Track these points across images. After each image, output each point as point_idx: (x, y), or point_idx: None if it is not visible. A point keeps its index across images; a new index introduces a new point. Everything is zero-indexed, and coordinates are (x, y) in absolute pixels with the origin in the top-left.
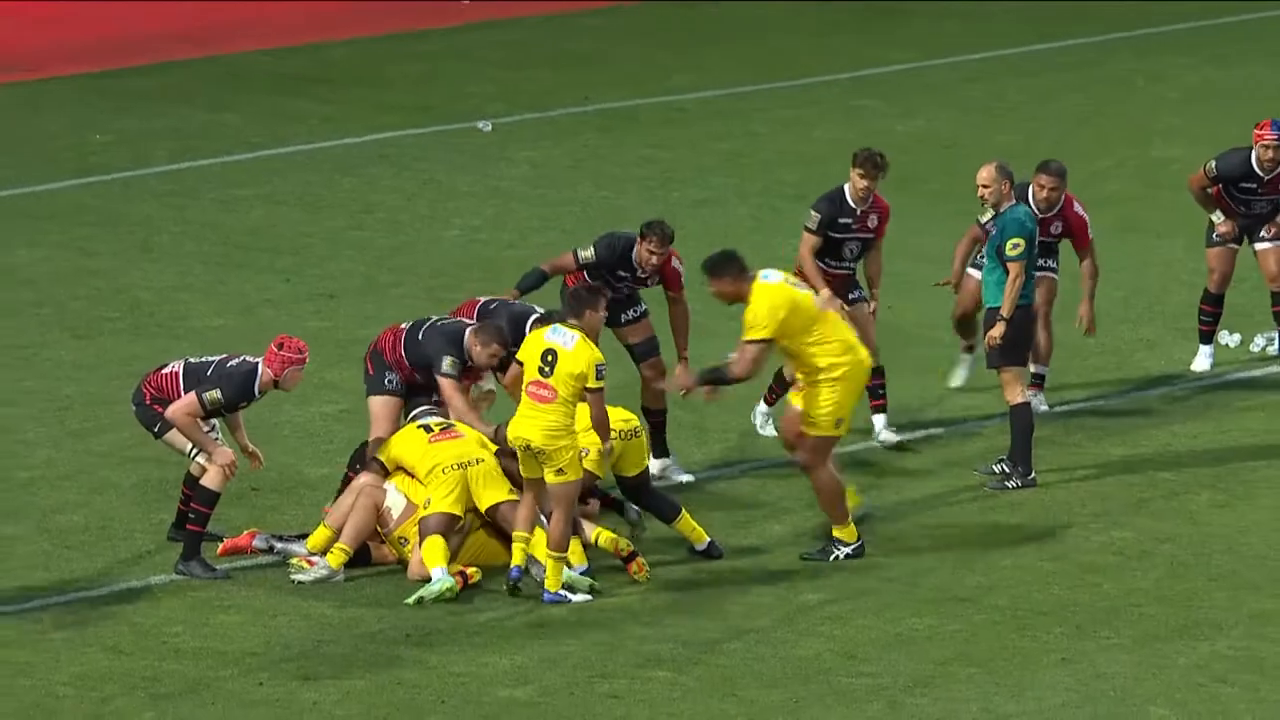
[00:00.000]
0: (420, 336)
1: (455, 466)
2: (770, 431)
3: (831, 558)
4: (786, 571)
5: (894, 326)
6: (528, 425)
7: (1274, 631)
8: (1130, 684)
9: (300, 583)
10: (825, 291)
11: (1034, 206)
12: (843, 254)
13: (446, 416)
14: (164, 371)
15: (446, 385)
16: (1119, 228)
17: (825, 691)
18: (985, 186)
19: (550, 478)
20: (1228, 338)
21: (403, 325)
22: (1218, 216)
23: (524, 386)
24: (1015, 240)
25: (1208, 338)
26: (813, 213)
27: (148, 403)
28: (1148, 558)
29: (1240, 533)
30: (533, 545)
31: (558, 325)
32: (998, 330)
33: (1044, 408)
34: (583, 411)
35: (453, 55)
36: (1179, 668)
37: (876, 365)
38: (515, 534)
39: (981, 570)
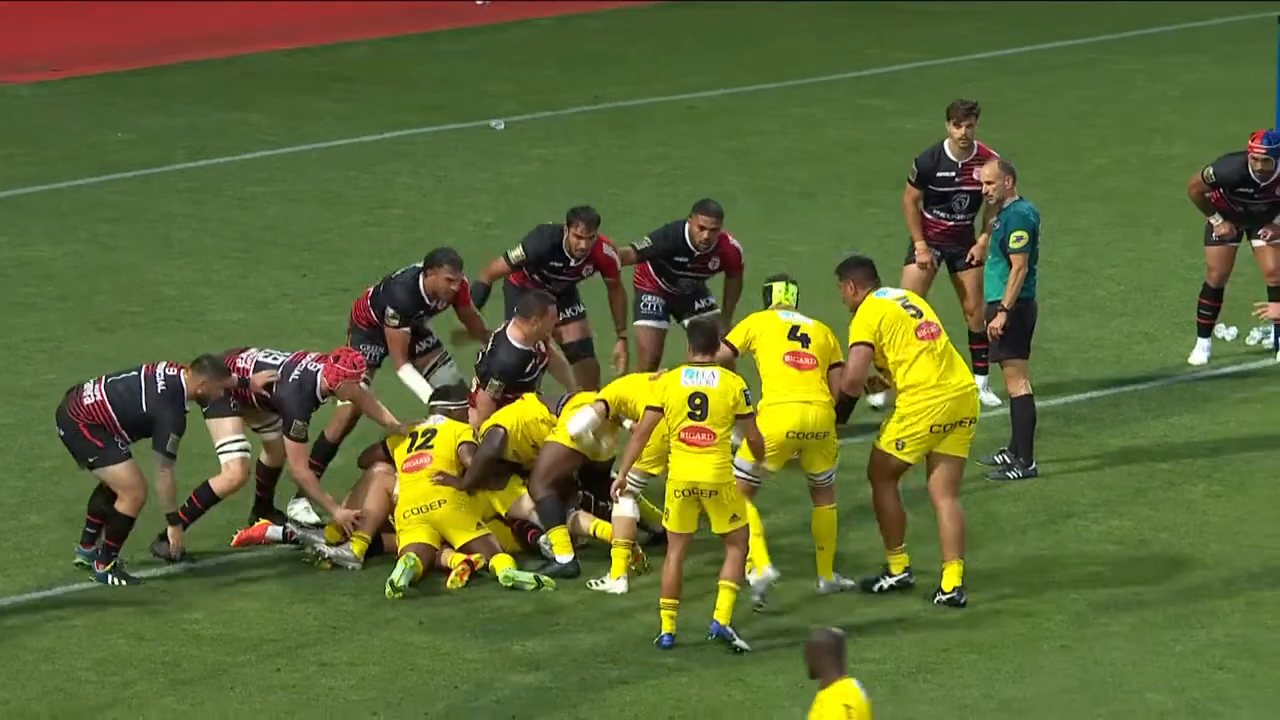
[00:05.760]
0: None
1: (415, 512)
2: (990, 398)
3: (877, 587)
4: (792, 560)
5: None
6: (694, 468)
7: (1269, 619)
8: (1129, 670)
9: (321, 554)
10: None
11: (692, 246)
12: (953, 206)
13: (453, 411)
14: (239, 365)
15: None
16: (1118, 223)
17: None
18: (989, 183)
19: (727, 526)
20: (1224, 331)
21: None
22: (1216, 219)
23: (674, 433)
24: (1019, 233)
25: (1206, 331)
26: (913, 165)
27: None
28: (1146, 547)
29: (1236, 522)
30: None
31: (691, 367)
32: (998, 321)
33: None
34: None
35: (468, 56)
36: (1176, 654)
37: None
38: (664, 600)
39: (983, 559)
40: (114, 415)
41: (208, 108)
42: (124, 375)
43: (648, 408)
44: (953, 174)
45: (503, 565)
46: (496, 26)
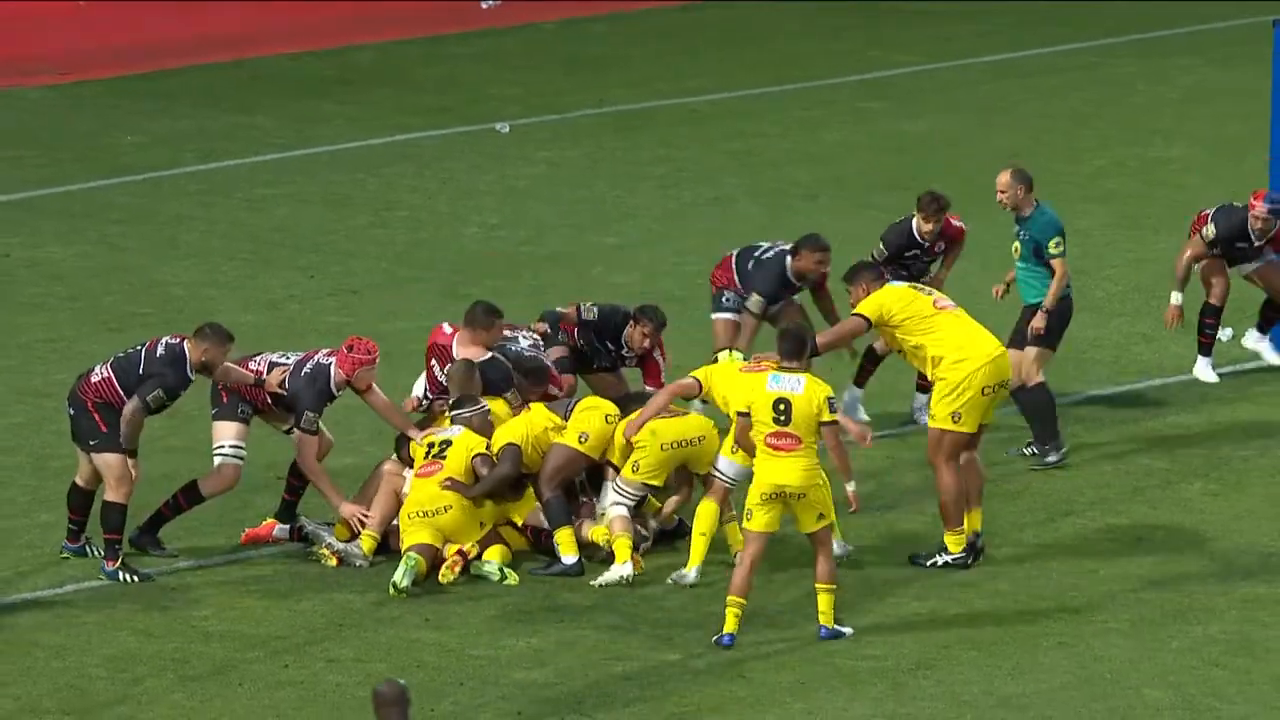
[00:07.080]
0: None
1: (421, 515)
2: (863, 415)
3: (930, 563)
4: (794, 557)
5: None
6: (780, 471)
7: (1265, 616)
8: (1126, 667)
9: (330, 546)
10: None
11: (793, 278)
12: (913, 271)
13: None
14: (253, 368)
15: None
16: (1118, 224)
17: (831, 673)
18: (1003, 191)
19: (814, 525)
20: (1221, 333)
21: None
22: (1176, 298)
23: (759, 437)
24: (1057, 239)
25: (1207, 350)
26: (881, 246)
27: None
28: (1143, 545)
29: (1233, 520)
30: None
31: (777, 372)
32: (1040, 321)
33: None
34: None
35: (473, 59)
36: (1173, 651)
37: None
38: (731, 598)
39: (983, 556)
40: (119, 389)
41: (215, 111)
42: (129, 351)
43: (737, 413)
44: (919, 252)
45: (494, 555)
46: (501, 30)
